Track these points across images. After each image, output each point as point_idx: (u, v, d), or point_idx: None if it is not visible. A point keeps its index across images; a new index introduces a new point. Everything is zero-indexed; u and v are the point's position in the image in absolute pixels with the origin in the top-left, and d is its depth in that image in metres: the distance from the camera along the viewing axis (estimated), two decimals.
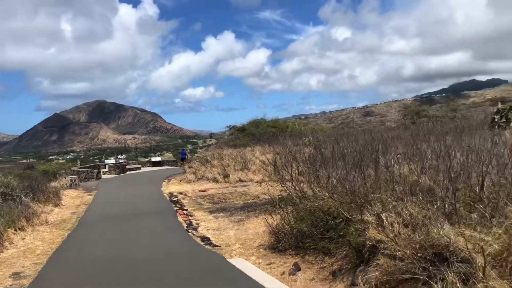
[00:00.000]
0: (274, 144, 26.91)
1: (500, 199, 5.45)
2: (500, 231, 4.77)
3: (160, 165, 45.96)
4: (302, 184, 9.90)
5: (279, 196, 10.67)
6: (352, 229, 6.59)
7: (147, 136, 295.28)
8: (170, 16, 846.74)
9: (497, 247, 4.60)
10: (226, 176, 24.07)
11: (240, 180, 23.24)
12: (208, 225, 12.85)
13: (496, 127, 16.07)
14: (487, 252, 4.49)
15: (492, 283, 4.27)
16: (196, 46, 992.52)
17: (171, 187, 23.65)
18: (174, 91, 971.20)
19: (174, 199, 18.91)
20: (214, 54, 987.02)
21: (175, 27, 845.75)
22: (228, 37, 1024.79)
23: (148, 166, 45.71)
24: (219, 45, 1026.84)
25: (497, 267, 4.50)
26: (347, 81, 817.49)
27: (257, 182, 21.19)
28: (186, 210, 15.79)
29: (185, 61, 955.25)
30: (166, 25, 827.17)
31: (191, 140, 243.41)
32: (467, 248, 4.59)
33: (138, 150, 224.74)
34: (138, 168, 42.21)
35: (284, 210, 9.23)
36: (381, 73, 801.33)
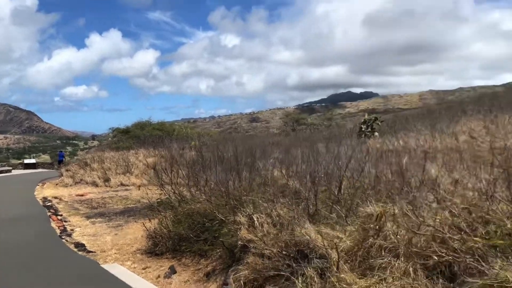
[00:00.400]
0: (160, 147, 26.58)
1: (355, 200, 6.08)
2: (353, 229, 5.34)
3: (35, 168, 42.85)
4: (181, 188, 9.98)
5: (158, 200, 10.62)
6: (226, 230, 6.84)
7: (21, 136, 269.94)
8: (51, 8, 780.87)
9: (349, 243, 5.12)
10: (107, 180, 23.14)
11: (122, 184, 22.49)
12: (83, 231, 12.27)
13: (363, 136, 17.72)
14: (340, 248, 4.97)
15: (343, 275, 4.72)
16: (79, 42, 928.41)
17: (45, 191, 22.06)
18: (53, 89, 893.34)
19: (48, 204, 17.66)
20: (99, 52, 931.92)
21: (56, 20, 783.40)
22: (114, 35, 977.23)
23: (21, 169, 42.25)
24: (104, 43, 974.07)
25: (349, 261, 4.98)
26: (236, 87, 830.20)
27: (139, 186, 20.75)
28: (61, 215, 14.87)
29: (66, 57, 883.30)
30: (45, 18, 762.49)
31: (71, 141, 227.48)
32: (324, 245, 5.06)
33: (10, 151, 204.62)
34: (9, 171, 38.87)
35: (163, 214, 9.22)
36: (267, 81, 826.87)
